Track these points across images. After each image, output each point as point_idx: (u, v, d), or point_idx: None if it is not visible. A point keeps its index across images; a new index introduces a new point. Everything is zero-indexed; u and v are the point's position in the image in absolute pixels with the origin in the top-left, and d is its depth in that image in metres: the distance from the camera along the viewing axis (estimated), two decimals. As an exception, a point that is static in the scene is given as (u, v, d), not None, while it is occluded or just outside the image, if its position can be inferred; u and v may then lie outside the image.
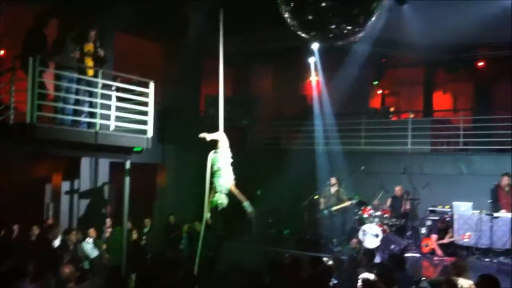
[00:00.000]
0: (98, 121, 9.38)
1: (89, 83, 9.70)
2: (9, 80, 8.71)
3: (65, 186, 11.33)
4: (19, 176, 10.78)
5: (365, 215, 12.23)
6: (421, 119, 15.34)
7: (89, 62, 10.04)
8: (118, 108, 9.91)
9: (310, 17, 6.79)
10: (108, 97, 9.85)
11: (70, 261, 7.57)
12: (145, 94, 10.09)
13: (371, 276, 6.19)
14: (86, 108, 9.78)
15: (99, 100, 9.49)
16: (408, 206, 12.42)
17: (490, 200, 11.43)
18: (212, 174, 7.97)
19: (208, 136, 8.13)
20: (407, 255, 11.07)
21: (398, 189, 12.60)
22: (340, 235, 12.46)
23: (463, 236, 11.10)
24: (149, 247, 11.45)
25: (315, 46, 13.70)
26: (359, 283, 6.09)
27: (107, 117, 9.72)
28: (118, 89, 10.12)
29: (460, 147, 13.50)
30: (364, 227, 11.85)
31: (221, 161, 7.98)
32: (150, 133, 10.07)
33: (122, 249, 9.83)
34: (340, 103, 14.61)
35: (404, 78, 18.69)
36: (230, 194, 8.00)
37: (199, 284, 5.97)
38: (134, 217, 11.04)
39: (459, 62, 15.49)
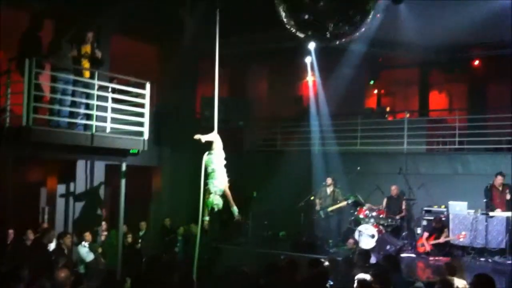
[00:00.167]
0: (94, 123, 9.37)
1: (86, 85, 9.69)
2: (4, 82, 8.69)
3: (61, 189, 11.27)
4: (14, 179, 10.73)
5: (361, 216, 12.24)
6: (416, 119, 15.36)
7: (86, 64, 10.04)
8: (114, 110, 9.91)
9: (306, 17, 6.80)
10: (105, 99, 9.85)
11: (65, 265, 7.53)
12: (141, 96, 10.09)
13: (367, 277, 6.19)
14: (82, 110, 9.77)
15: (95, 102, 9.48)
16: (404, 207, 12.44)
17: (486, 200, 11.46)
18: (207, 176, 7.96)
19: (203, 138, 8.14)
20: (402, 255, 11.11)
21: (394, 189, 12.62)
22: (336, 236, 12.48)
23: (458, 235, 11.13)
24: (145, 250, 11.44)
25: (311, 46, 13.70)
26: (355, 284, 6.09)
27: (103, 119, 9.72)
28: (114, 91, 10.13)
29: (456, 146, 13.52)
30: (360, 227, 11.86)
31: (215, 162, 7.98)
32: (146, 135, 10.07)
33: (117, 253, 9.82)
34: (336, 103, 14.63)
35: (400, 78, 18.71)
36: (224, 196, 7.99)
37: (197, 287, 5.97)
38: (129, 220, 11.03)
39: (454, 61, 15.51)
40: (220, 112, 8.74)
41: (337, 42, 7.30)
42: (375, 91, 19.56)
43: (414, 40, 12.87)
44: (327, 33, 6.90)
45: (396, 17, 11.44)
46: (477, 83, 16.82)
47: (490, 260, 10.75)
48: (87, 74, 9.92)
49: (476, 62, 15.99)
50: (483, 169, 12.41)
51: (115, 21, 11.73)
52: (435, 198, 12.35)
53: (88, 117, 9.60)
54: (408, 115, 14.71)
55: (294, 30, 7.08)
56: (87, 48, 10.05)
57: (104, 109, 9.83)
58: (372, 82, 18.64)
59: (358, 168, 13.03)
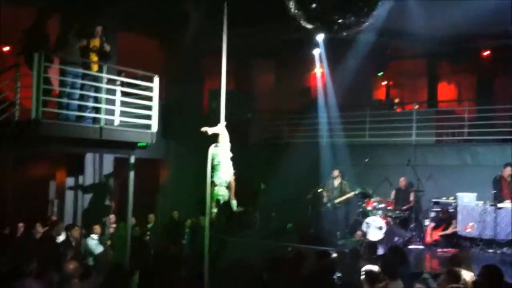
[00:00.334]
0: (102, 116, 9.41)
1: (94, 79, 9.73)
2: (13, 76, 8.74)
3: (70, 182, 11.36)
4: (24, 172, 10.82)
5: (369, 208, 12.23)
6: (425, 110, 15.27)
7: (94, 57, 10.08)
8: (123, 103, 9.95)
9: (314, 8, 6.79)
10: (113, 92, 9.89)
11: (73, 257, 7.60)
12: (150, 89, 10.11)
13: (375, 268, 6.18)
14: (91, 104, 9.81)
15: (103, 95, 9.52)
16: (412, 198, 12.41)
17: (494, 191, 11.40)
18: (213, 168, 7.97)
19: (209, 130, 8.14)
20: (410, 247, 11.10)
21: (402, 181, 12.59)
22: (344, 228, 12.48)
23: (466, 226, 11.09)
24: (153, 243, 11.50)
25: (320, 37, 13.63)
26: (363, 275, 6.09)
27: (112, 113, 9.76)
28: (123, 84, 10.17)
29: (465, 137, 13.44)
30: (367, 219, 11.86)
31: (221, 155, 7.99)
32: (154, 128, 10.10)
33: (126, 245, 9.89)
34: (344, 95, 14.58)
35: (409, 70, 18.62)
36: (229, 188, 8.00)
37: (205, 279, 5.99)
38: (138, 213, 11.09)
39: (462, 52, 15.39)
40: (227, 104, 8.72)
41: (345, 33, 7.29)
42: (384, 83, 19.50)
43: (422, 31, 12.78)
44: (335, 24, 6.89)
45: (404, 7, 11.37)
46: (485, 74, 16.71)
47: (498, 252, 10.70)
48: (95, 67, 9.96)
49: (485, 53, 15.86)
50: (492, 160, 12.34)
51: (121, 16, 11.74)
52: (444, 189, 12.29)
53: (97, 110, 9.64)
54: (416, 107, 14.67)
55: (302, 22, 7.06)
56: (95, 42, 10.07)
57: (113, 102, 9.88)
58: (380, 74, 18.56)
59: (366, 160, 13.00)
